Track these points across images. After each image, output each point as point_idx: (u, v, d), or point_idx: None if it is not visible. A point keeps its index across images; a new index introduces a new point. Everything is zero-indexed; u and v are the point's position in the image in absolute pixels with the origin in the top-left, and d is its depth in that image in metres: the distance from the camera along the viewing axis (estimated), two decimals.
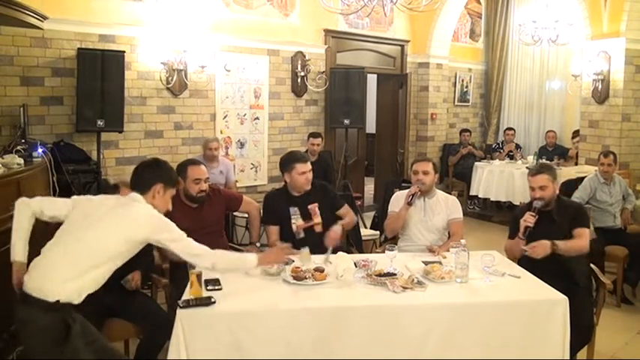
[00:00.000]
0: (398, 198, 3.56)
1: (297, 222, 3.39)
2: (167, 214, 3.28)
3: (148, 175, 2.44)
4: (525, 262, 3.11)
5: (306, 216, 3.41)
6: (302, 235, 3.38)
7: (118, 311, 2.84)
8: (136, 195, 2.40)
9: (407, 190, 3.51)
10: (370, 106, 8.28)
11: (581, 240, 3.08)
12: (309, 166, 3.40)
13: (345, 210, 3.64)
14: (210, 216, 3.40)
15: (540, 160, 6.96)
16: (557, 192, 3.26)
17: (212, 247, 3.09)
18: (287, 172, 3.41)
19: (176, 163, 5.82)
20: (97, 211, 2.33)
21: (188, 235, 3.21)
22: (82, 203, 2.43)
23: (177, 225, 3.26)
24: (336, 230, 3.27)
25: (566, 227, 3.12)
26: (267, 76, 6.39)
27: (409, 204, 3.39)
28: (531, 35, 7.06)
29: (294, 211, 3.40)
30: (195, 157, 5.50)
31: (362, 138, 8.30)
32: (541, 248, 2.94)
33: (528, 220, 3.08)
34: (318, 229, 3.41)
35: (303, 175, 3.37)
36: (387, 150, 8.29)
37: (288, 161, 3.42)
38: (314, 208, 3.42)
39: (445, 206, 3.48)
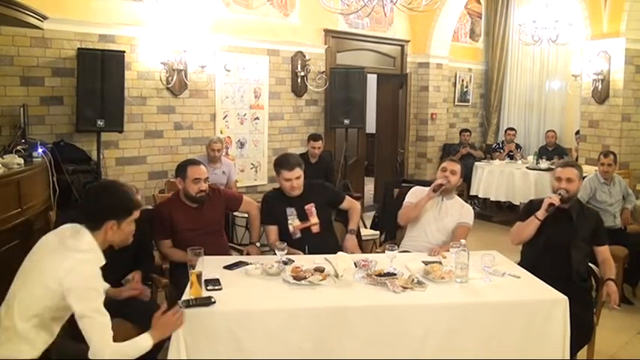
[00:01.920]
0: (416, 192, 3.60)
1: (293, 223, 3.38)
2: (168, 215, 3.30)
3: (98, 210, 2.16)
4: (525, 262, 3.13)
5: (303, 217, 3.40)
6: (299, 235, 3.37)
7: (118, 311, 2.82)
8: (80, 234, 2.12)
9: (426, 187, 3.59)
10: (370, 106, 8.27)
11: (610, 261, 3.10)
12: (296, 173, 3.33)
13: (348, 202, 3.64)
14: (211, 216, 3.40)
15: (540, 160, 6.97)
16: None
17: (212, 247, 3.10)
18: (276, 174, 3.44)
19: (176, 163, 5.84)
20: (30, 261, 2.12)
21: (188, 236, 3.22)
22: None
23: (178, 225, 3.28)
24: (348, 239, 3.43)
25: (586, 234, 3.12)
26: (267, 76, 6.39)
27: (434, 191, 3.43)
28: (531, 35, 7.07)
29: (290, 211, 3.39)
30: (198, 157, 5.53)
31: (362, 138, 8.30)
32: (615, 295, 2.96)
33: (555, 199, 3.07)
34: (315, 229, 3.40)
35: (287, 182, 3.34)
36: (387, 150, 8.29)
37: (276, 165, 3.42)
38: (310, 208, 3.41)
39: (459, 211, 3.52)
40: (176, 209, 3.34)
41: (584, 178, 4.68)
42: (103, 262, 2.17)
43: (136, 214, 2.26)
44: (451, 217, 3.48)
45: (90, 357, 2.03)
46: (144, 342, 2.17)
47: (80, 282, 2.02)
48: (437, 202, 3.52)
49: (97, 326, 2.05)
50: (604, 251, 3.14)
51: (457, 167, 3.55)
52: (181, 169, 3.34)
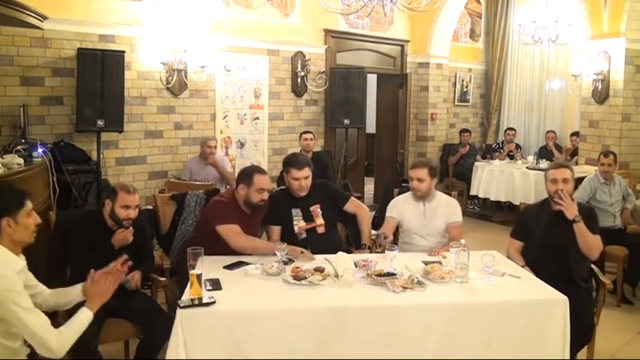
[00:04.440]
0: (397, 204, 3.51)
1: (299, 223, 3.36)
2: (223, 210, 3.14)
3: None
4: (525, 262, 3.13)
5: (308, 217, 3.38)
6: (304, 236, 3.36)
7: (118, 311, 2.83)
8: None
9: (404, 195, 3.50)
10: (370, 106, 8.28)
11: (597, 242, 3.09)
12: (305, 173, 3.31)
13: (354, 205, 3.58)
14: (255, 224, 3.34)
15: (541, 161, 6.97)
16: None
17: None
18: (285, 172, 3.41)
19: (176, 163, 5.83)
20: None
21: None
22: None
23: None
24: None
25: None
26: (267, 76, 6.40)
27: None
28: (531, 35, 7.06)
29: (296, 212, 3.37)
30: (191, 157, 5.56)
31: (362, 138, 8.30)
32: (572, 207, 3.05)
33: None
34: (321, 230, 3.38)
35: (296, 181, 3.32)
36: (387, 150, 8.30)
37: (286, 163, 3.40)
38: (315, 209, 3.40)
39: (445, 209, 3.45)
40: (235, 214, 3.21)
41: (583, 178, 4.72)
42: (20, 264, 2.14)
43: (29, 204, 2.16)
44: (439, 218, 3.42)
45: (40, 353, 2.03)
46: (85, 317, 2.16)
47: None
48: (420, 209, 3.43)
49: (34, 324, 1.99)
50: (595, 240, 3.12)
51: (424, 173, 3.37)
52: (247, 176, 3.19)
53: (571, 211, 3.05)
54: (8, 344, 2.07)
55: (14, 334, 2.08)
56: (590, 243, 3.05)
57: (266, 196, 3.24)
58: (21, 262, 2.17)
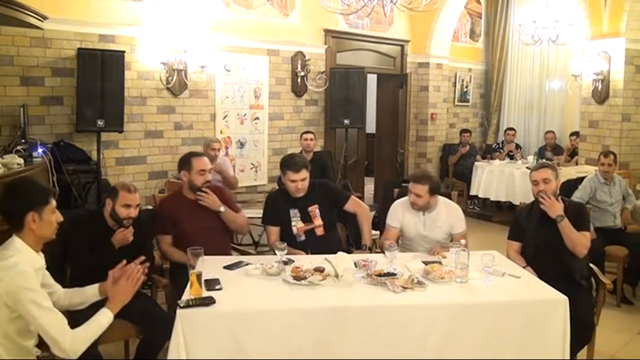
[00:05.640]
0: (396, 209, 3.43)
1: (297, 224, 3.35)
2: (171, 212, 3.28)
3: (13, 211, 2.12)
4: (526, 261, 3.13)
5: (307, 218, 3.36)
6: (303, 238, 3.35)
7: (118, 311, 2.83)
8: (9, 242, 2.11)
9: (404, 201, 3.41)
10: (370, 106, 8.28)
11: (583, 239, 3.07)
12: (302, 175, 3.29)
13: (354, 205, 3.54)
14: (212, 210, 3.34)
15: (540, 161, 6.97)
16: (558, 192, 3.27)
17: (214, 245, 3.09)
18: (282, 174, 3.39)
19: (176, 163, 5.82)
20: None
21: (190, 230, 3.20)
22: None
23: (182, 222, 3.23)
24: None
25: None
26: (267, 76, 6.40)
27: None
28: (531, 35, 7.07)
29: (294, 213, 3.36)
30: None
31: (362, 138, 8.30)
32: (554, 207, 3.05)
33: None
34: (320, 231, 3.36)
35: (293, 184, 3.30)
36: (387, 150, 8.30)
37: (283, 164, 3.36)
38: (314, 210, 3.37)
39: (447, 218, 3.35)
40: (179, 205, 3.31)
41: (583, 178, 4.72)
42: (39, 262, 2.18)
43: (53, 202, 2.19)
44: (440, 229, 3.34)
45: (55, 353, 2.05)
46: (104, 318, 2.19)
47: (10, 287, 1.97)
48: (420, 218, 3.35)
49: (50, 323, 2.02)
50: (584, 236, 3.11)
51: (421, 190, 3.24)
52: (185, 161, 3.33)
53: (553, 211, 3.06)
54: (22, 343, 2.09)
55: (29, 333, 2.10)
56: (574, 240, 3.03)
57: (209, 177, 3.34)
58: (40, 260, 2.21)
